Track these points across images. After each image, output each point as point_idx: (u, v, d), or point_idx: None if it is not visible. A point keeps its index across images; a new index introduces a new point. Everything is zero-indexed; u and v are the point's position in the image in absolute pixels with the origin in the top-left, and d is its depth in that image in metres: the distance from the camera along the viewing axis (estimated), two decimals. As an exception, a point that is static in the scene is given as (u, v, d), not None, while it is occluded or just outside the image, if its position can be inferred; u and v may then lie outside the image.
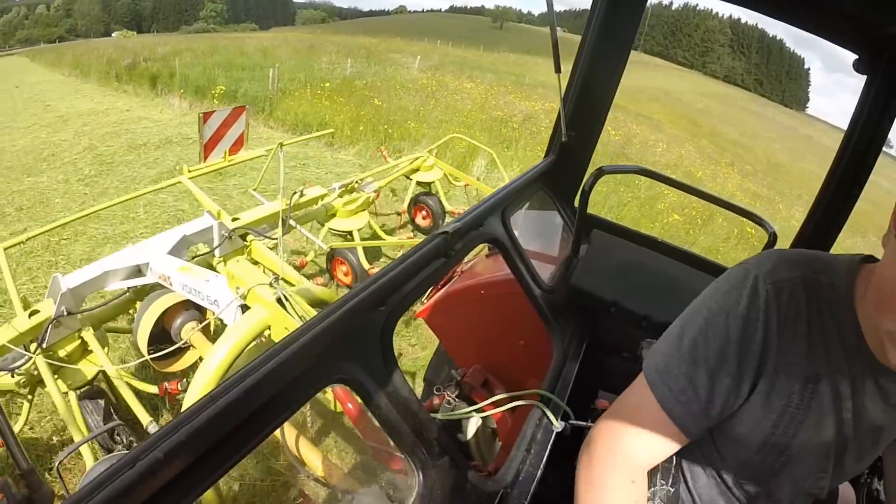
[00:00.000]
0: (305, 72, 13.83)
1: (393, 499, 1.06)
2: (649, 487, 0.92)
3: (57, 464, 1.04)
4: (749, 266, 0.79)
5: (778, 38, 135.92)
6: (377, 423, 0.91)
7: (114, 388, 2.29)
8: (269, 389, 0.69)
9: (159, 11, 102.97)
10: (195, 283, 2.22)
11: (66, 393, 2.19)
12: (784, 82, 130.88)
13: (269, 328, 1.98)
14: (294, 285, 2.34)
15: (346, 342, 0.86)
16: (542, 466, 1.11)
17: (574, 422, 1.20)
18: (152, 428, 1.89)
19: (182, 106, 11.10)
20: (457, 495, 0.97)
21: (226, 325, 2.15)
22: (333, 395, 1.64)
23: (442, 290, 1.96)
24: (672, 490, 0.93)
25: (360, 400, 0.89)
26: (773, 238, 1.59)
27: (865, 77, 1.35)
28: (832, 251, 1.54)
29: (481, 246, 1.77)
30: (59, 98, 12.08)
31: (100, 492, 0.50)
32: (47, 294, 2.30)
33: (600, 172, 1.58)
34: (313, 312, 1.70)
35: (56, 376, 2.12)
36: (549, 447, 1.15)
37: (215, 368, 1.75)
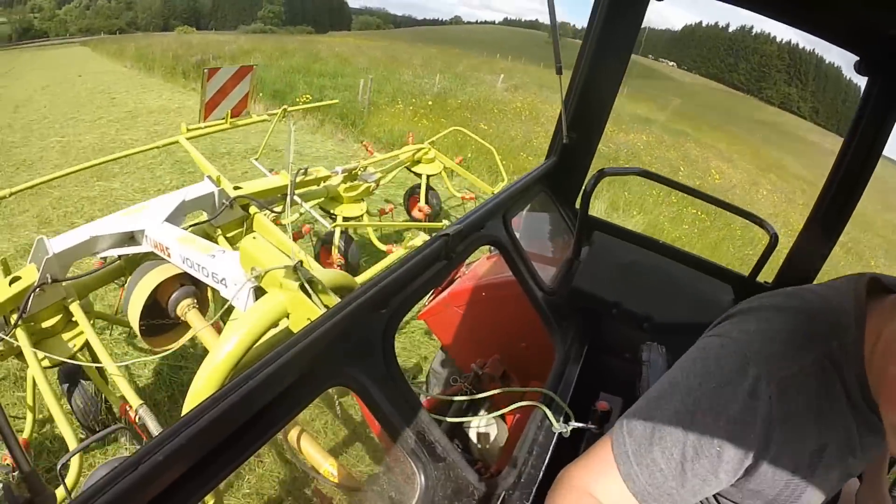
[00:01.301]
0: (392, 84, 13.00)
1: (394, 501, 1.06)
2: None
3: (59, 466, 1.04)
4: (748, 354, 0.69)
5: (835, 64, 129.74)
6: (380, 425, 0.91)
7: (99, 364, 2.05)
8: (271, 393, 0.69)
9: (218, 9, 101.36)
10: (199, 257, 1.97)
11: (49, 367, 2.03)
12: (840, 111, 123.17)
13: (288, 316, 1.67)
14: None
15: (347, 345, 0.86)
16: (543, 468, 1.10)
17: (575, 424, 1.20)
18: (142, 411, 1.75)
19: (260, 111, 9.76)
20: (459, 498, 0.97)
21: (222, 303, 1.93)
22: (354, 397, 1.53)
23: (444, 293, 1.96)
24: None
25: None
26: (774, 240, 1.59)
27: (867, 79, 1.36)
28: (833, 251, 1.55)
29: (483, 248, 1.77)
30: (124, 91, 11.21)
31: (102, 495, 0.50)
32: (30, 259, 2.10)
33: (601, 174, 1.59)
34: (335, 300, 1.57)
35: (37, 350, 1.91)
36: (550, 449, 1.15)
37: (224, 360, 1.52)
